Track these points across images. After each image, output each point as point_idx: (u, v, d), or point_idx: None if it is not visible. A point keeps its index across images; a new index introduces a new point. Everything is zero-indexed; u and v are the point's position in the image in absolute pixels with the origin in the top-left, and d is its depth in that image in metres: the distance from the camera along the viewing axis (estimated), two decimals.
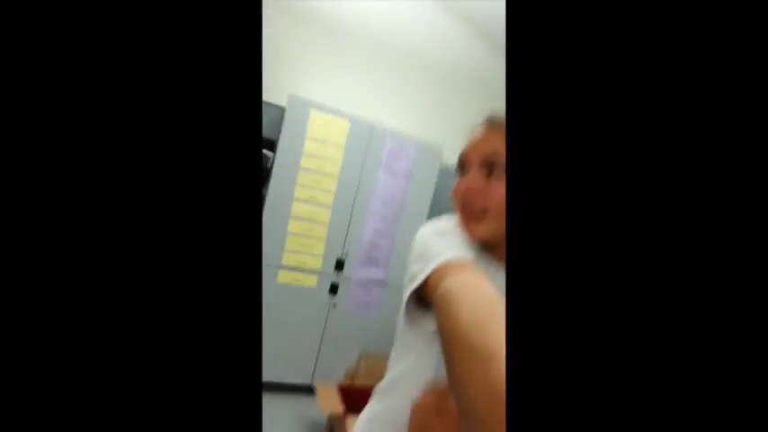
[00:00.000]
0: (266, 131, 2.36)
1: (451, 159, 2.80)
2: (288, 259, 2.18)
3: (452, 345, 0.35)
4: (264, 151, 2.34)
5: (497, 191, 0.51)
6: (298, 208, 2.17)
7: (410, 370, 0.55)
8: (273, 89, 2.38)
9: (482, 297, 0.37)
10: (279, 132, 2.16)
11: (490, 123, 0.54)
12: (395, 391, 0.58)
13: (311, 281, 2.24)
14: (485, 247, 0.53)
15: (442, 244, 0.49)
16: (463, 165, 0.56)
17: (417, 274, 0.47)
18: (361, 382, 2.26)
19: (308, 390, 2.31)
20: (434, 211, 2.61)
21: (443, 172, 2.51)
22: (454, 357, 0.34)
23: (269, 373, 2.22)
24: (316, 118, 2.15)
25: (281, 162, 2.11)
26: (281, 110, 2.29)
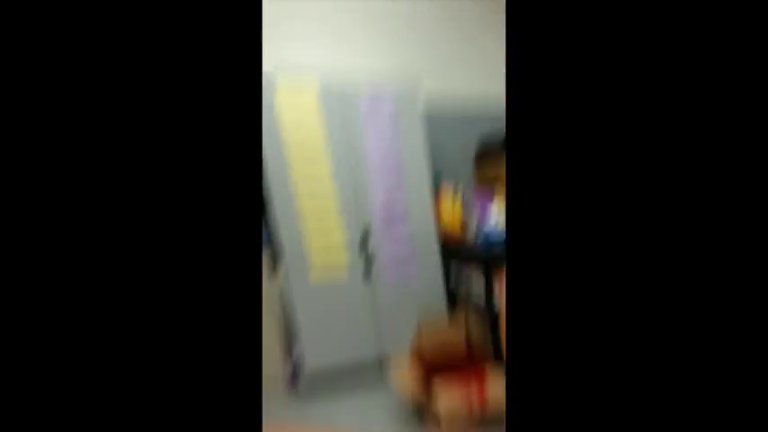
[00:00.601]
0: None
1: (434, 86, 2.68)
2: (313, 259, 2.06)
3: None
4: None
5: None
6: (302, 204, 2.03)
7: None
8: None
9: None
10: None
11: None
12: None
13: (343, 271, 2.14)
14: None
15: None
16: None
17: None
18: (430, 349, 2.20)
19: (380, 376, 2.25)
20: (433, 142, 2.48)
21: (429, 102, 2.36)
22: None
23: (336, 375, 2.15)
24: (282, 93, 1.97)
25: (269, 161, 1.95)
26: None
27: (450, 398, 1.72)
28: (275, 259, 2.16)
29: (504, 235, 2.00)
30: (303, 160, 2.02)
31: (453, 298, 2.47)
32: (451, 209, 2.39)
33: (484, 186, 2.52)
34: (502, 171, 2.52)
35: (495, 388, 1.78)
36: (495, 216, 2.16)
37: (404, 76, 2.28)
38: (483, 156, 2.71)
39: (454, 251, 2.40)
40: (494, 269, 2.14)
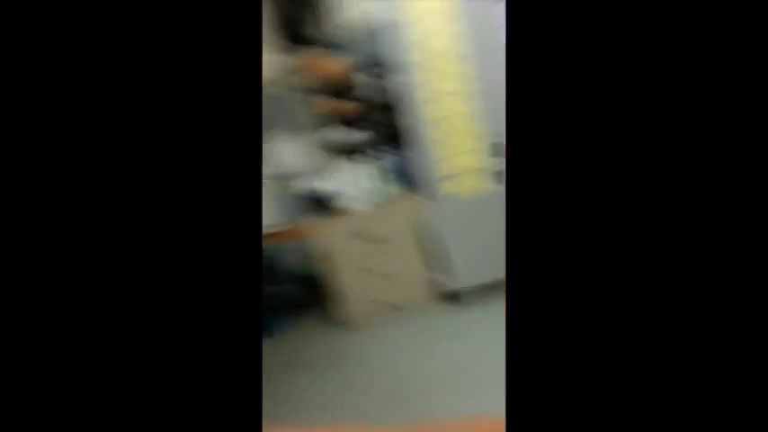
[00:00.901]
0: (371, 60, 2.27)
1: None
2: (444, 168, 2.10)
3: None
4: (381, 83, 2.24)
5: None
6: (430, 109, 2.03)
7: None
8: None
9: None
10: (379, 52, 2.03)
11: None
12: None
13: (475, 180, 2.12)
14: None
15: None
16: None
17: None
18: None
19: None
20: None
21: None
22: None
23: (466, 281, 2.24)
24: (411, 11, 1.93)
25: (398, 67, 1.99)
26: (370, 30, 2.15)
27: None
28: (411, 179, 2.25)
29: None
30: (432, 63, 1.99)
31: None
32: None
33: None
34: None
35: None
36: None
37: None
38: None
39: None
40: None
